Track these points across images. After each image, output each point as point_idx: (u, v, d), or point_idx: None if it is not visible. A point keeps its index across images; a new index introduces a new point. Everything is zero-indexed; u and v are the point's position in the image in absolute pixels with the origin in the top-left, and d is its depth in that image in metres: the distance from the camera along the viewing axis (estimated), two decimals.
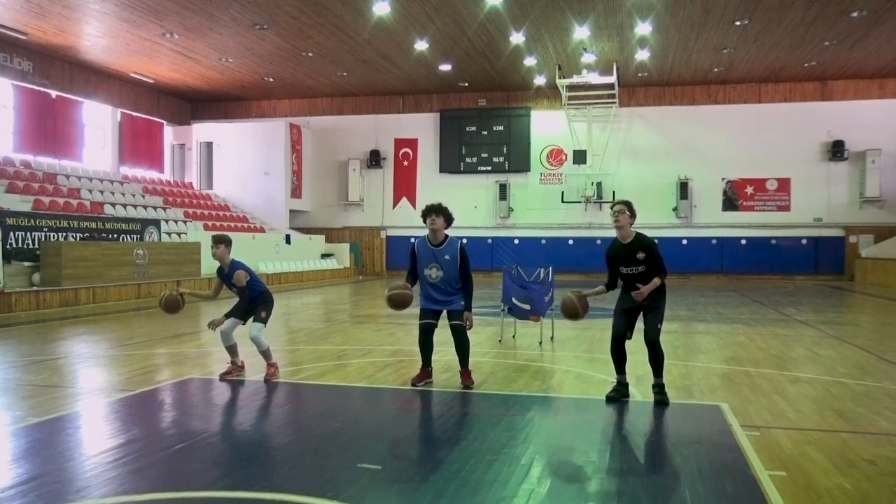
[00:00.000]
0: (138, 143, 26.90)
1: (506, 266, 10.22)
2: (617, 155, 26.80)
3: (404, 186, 28.86)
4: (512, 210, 27.80)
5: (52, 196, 19.61)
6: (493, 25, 19.42)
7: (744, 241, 26.35)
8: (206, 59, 22.90)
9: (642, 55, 22.22)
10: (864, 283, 23.71)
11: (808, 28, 19.60)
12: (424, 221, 6.70)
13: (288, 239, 25.57)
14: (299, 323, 12.73)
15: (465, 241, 7.72)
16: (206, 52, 21.94)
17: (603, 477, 4.33)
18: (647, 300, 6.07)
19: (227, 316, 7.08)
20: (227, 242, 7.05)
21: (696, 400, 6.36)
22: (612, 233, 6.43)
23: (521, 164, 27.68)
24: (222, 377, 7.19)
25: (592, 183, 26.46)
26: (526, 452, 4.73)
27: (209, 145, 28.56)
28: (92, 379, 7.66)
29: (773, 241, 26.18)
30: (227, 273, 7.03)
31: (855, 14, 18.28)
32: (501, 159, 27.90)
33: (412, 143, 28.80)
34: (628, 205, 6.15)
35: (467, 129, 28.08)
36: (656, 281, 6.03)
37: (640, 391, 6.50)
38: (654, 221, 25.31)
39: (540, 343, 9.64)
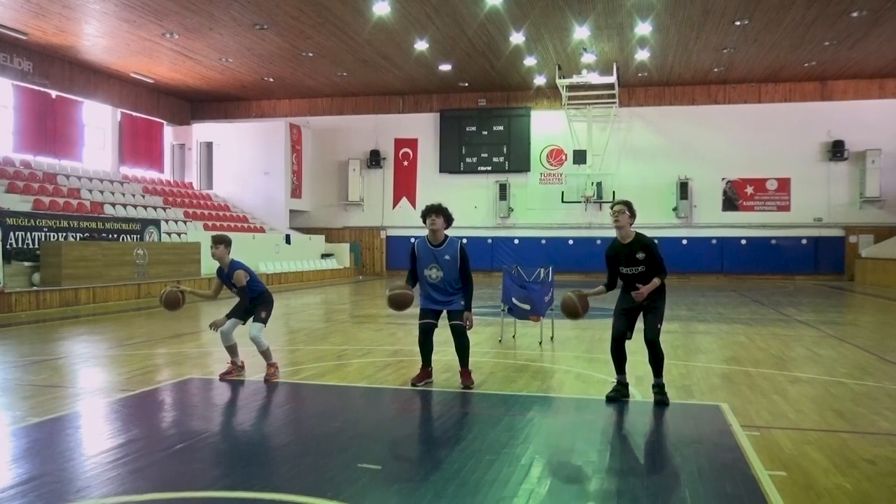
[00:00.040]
0: (138, 143, 26.90)
1: (506, 266, 10.22)
2: (617, 155, 26.80)
3: (404, 186, 28.87)
4: (512, 210, 27.80)
5: (52, 196, 19.61)
6: (493, 25, 19.42)
7: (744, 241, 26.35)
8: (206, 59, 22.90)
9: (642, 55, 22.22)
10: (864, 283, 23.71)
11: (808, 28, 19.60)
12: (424, 222, 6.70)
13: (288, 239, 25.57)
14: (299, 323, 12.74)
15: (465, 241, 7.72)
16: (206, 52, 21.94)
17: (603, 477, 4.33)
18: (646, 300, 6.07)
19: (228, 316, 7.08)
20: (226, 243, 7.04)
21: (696, 400, 6.36)
22: (612, 233, 6.43)
23: (521, 164, 27.68)
24: (222, 377, 7.19)
25: (592, 183, 26.46)
26: (526, 452, 4.73)
27: (209, 145, 28.56)
28: (92, 379, 7.66)
29: (773, 241, 26.18)
30: (226, 273, 7.03)
31: (855, 14, 18.28)
32: (501, 159, 27.90)
33: (412, 143, 28.81)
34: (628, 205, 6.15)
35: (467, 129, 28.08)
36: (656, 281, 6.03)
37: (640, 391, 6.50)
38: (654, 221, 25.31)
39: (540, 343, 9.64)
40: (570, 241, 27.17)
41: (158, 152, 28.14)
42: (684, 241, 26.40)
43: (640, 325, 6.17)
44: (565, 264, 24.90)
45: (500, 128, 27.86)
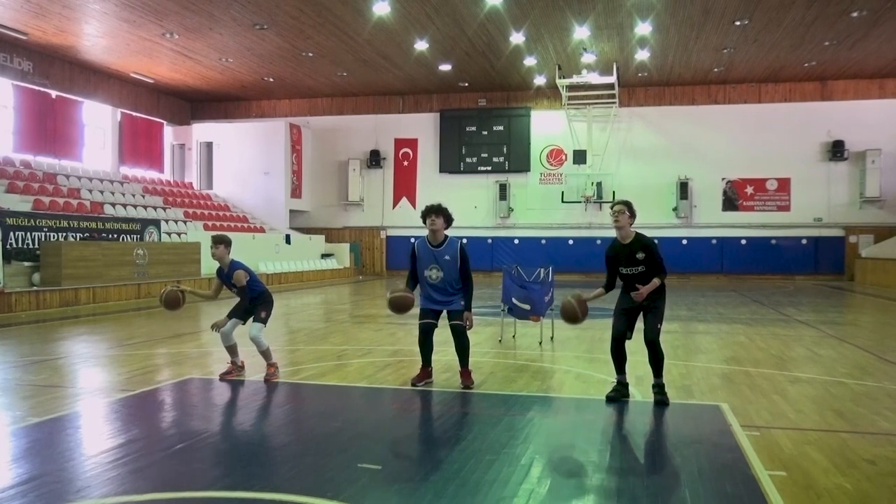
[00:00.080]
0: (138, 143, 26.90)
1: (506, 266, 10.22)
2: (617, 155, 26.81)
3: (404, 186, 28.87)
4: (512, 210, 27.80)
5: (52, 196, 19.61)
6: (493, 25, 19.42)
7: (744, 241, 26.35)
8: (206, 59, 22.90)
9: (642, 55, 22.22)
10: (864, 283, 23.71)
11: (808, 28, 19.60)
12: (424, 222, 6.70)
13: (288, 239, 25.57)
14: (299, 323, 12.74)
15: (464, 241, 7.72)
16: (206, 52, 21.94)
17: (603, 477, 4.33)
18: (646, 300, 6.07)
19: (229, 316, 7.08)
20: (226, 243, 7.04)
21: (696, 400, 6.36)
22: (612, 233, 6.43)
23: (521, 164, 27.68)
24: (222, 377, 7.20)
25: (592, 183, 26.47)
26: (526, 452, 4.73)
27: (209, 145, 28.56)
28: (92, 379, 7.66)
29: (773, 241, 26.18)
30: (226, 273, 7.03)
31: (855, 14, 18.28)
32: (501, 159, 27.90)
33: (412, 143, 28.81)
34: (628, 205, 6.15)
35: (467, 129, 28.08)
36: (656, 281, 6.03)
37: (640, 391, 6.50)
38: (654, 221, 25.31)
39: (540, 343, 9.64)
40: (570, 241, 27.17)
41: (158, 152, 28.15)
42: (684, 241, 26.41)
43: (640, 325, 6.17)
44: (565, 264, 24.90)
45: (500, 128, 27.86)
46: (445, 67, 24.05)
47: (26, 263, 15.40)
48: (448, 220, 6.73)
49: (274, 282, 22.34)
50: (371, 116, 28.96)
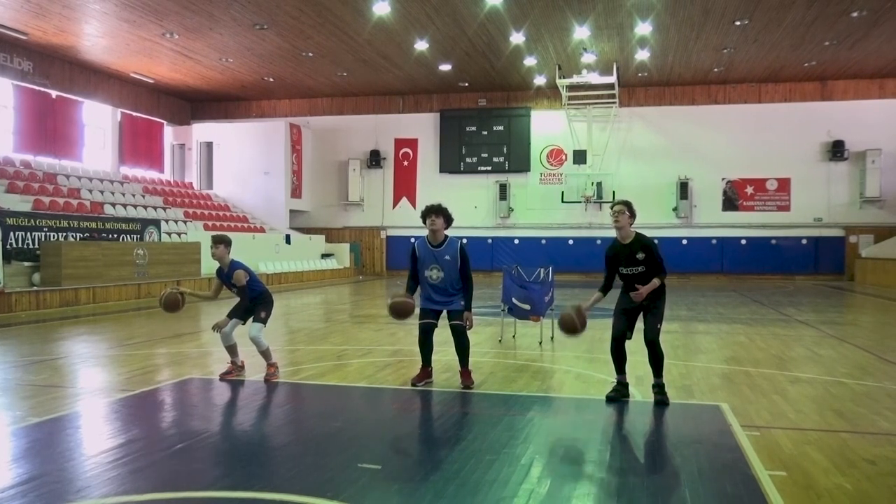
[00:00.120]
0: (138, 143, 26.90)
1: (506, 266, 10.22)
2: (617, 155, 26.81)
3: (404, 186, 28.87)
4: (512, 210, 27.80)
5: (52, 196, 19.61)
6: (493, 25, 19.42)
7: (744, 241, 26.35)
8: (206, 59, 22.90)
9: (642, 55, 22.22)
10: (864, 283, 23.71)
11: (808, 28, 19.60)
12: (424, 222, 6.70)
13: (288, 239, 25.57)
14: (299, 323, 12.74)
15: (464, 241, 7.72)
16: (206, 52, 21.94)
17: (603, 477, 4.33)
18: (646, 300, 6.07)
19: (229, 316, 7.08)
20: (226, 242, 7.04)
21: (696, 400, 6.36)
22: (612, 233, 6.43)
23: (521, 164, 27.68)
24: (222, 377, 7.20)
25: (592, 183, 26.47)
26: (526, 452, 4.73)
27: (209, 145, 28.56)
28: (92, 379, 7.66)
29: (773, 241, 26.18)
30: (226, 273, 7.03)
31: (855, 14, 18.28)
32: (501, 159, 27.90)
33: (412, 143, 28.81)
34: (628, 205, 6.15)
35: (467, 129, 28.08)
36: (655, 282, 6.03)
37: (640, 391, 6.50)
38: (654, 221, 25.31)
39: (540, 343, 9.64)
40: (570, 241, 27.17)
41: (158, 152, 28.15)
42: (684, 241, 26.40)
43: (640, 325, 6.17)
44: (565, 264, 24.89)
45: (500, 128, 27.86)
46: (445, 67, 24.05)
47: (26, 263, 15.40)
48: (448, 220, 6.73)
49: (274, 282, 22.34)
50: (371, 116, 28.96)
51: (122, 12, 18.06)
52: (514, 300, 9.29)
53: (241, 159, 27.91)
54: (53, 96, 22.51)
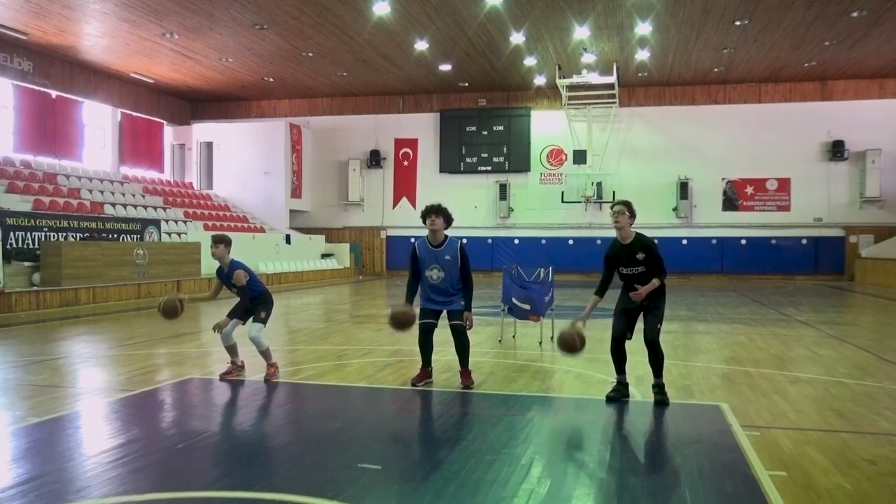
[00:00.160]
0: (138, 143, 26.90)
1: (506, 266, 10.22)
2: (617, 155, 26.81)
3: (404, 186, 28.87)
4: (512, 210, 27.80)
5: (52, 196, 19.61)
6: (493, 25, 19.42)
7: (744, 241, 26.35)
8: (206, 59, 22.90)
9: (642, 55, 22.22)
10: (864, 283, 23.71)
11: (808, 28, 19.60)
12: (424, 222, 6.70)
13: (288, 239, 25.58)
14: (299, 323, 12.74)
15: (464, 241, 7.71)
16: (206, 52, 21.94)
17: (603, 477, 4.34)
18: (646, 300, 6.07)
19: (229, 316, 7.08)
20: (226, 242, 7.04)
21: (696, 400, 6.36)
22: (612, 233, 6.43)
23: (521, 164, 27.68)
24: (222, 377, 7.20)
25: (592, 183, 26.47)
26: (526, 452, 4.73)
27: (209, 145, 28.56)
28: (92, 379, 7.66)
29: (773, 241, 26.18)
30: (226, 273, 7.03)
31: (855, 14, 18.28)
32: (501, 159, 27.90)
33: (412, 143, 28.81)
34: (628, 205, 6.14)
35: (467, 129, 28.08)
36: (655, 282, 6.03)
37: (640, 391, 6.50)
38: (654, 221, 25.31)
39: (540, 343, 9.64)
40: (570, 241, 27.17)
41: (158, 152, 28.14)
42: (684, 241, 26.40)
43: (640, 325, 6.17)
44: (565, 264, 24.89)
45: (500, 128, 27.86)
46: (445, 67, 24.04)
47: (26, 263, 15.40)
48: (448, 220, 6.73)
49: (274, 282, 22.34)
50: (371, 116, 28.96)
51: (122, 12, 18.06)
52: (514, 300, 9.28)
53: (241, 159, 27.91)
54: (53, 96, 22.51)
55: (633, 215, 6.13)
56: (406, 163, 28.88)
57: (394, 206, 28.97)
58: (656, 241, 6.45)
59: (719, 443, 5.00)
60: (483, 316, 12.15)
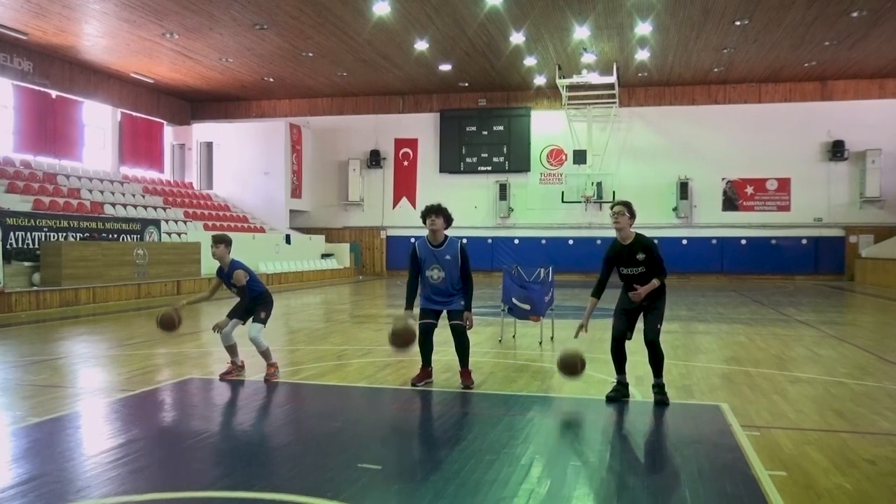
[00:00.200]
0: (138, 143, 26.90)
1: (506, 266, 10.22)
2: (617, 155, 26.80)
3: (404, 186, 28.87)
4: (512, 210, 27.80)
5: (52, 196, 19.61)
6: (493, 25, 19.42)
7: (744, 241, 26.35)
8: (206, 59, 22.90)
9: (642, 55, 22.22)
10: (864, 283, 23.71)
11: (808, 28, 19.60)
12: (424, 222, 6.70)
13: (288, 239, 25.57)
14: (299, 323, 12.74)
15: (464, 241, 7.72)
16: (206, 52, 21.94)
17: (603, 477, 4.34)
18: (646, 300, 6.07)
19: (229, 316, 7.08)
20: (227, 242, 7.05)
21: (696, 400, 6.36)
22: (612, 233, 6.43)
23: (521, 164, 27.68)
24: (222, 377, 7.20)
25: (592, 183, 26.47)
26: (526, 452, 4.73)
27: (209, 145, 28.56)
28: (92, 379, 7.66)
29: (773, 241, 26.18)
30: (226, 273, 7.03)
31: (855, 14, 18.28)
32: (501, 159, 27.90)
33: (412, 143, 28.81)
34: (628, 206, 6.14)
35: (467, 129, 28.08)
36: (655, 282, 6.03)
37: (640, 391, 6.50)
38: (654, 221, 25.31)
39: (540, 343, 9.64)
40: (570, 241, 27.17)
41: (158, 152, 28.14)
42: (684, 241, 26.40)
43: (640, 325, 6.17)
44: (565, 264, 24.90)
45: (500, 128, 27.86)
46: (445, 67, 24.04)
47: (26, 263, 15.40)
48: (448, 220, 6.73)
49: (274, 282, 22.34)
50: (371, 116, 28.96)
51: (122, 12, 18.06)
52: (514, 300, 9.28)
53: (241, 159, 27.91)
54: (53, 96, 22.51)
55: (632, 216, 6.13)
56: (406, 163, 28.88)
57: (394, 206, 28.97)
58: (656, 242, 6.45)
59: (719, 443, 5.00)
60: (483, 316, 12.15)
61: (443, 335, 7.00)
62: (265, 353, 7.11)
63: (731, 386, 6.96)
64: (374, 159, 28.87)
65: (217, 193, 28.25)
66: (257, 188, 27.88)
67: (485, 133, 27.93)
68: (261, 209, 27.87)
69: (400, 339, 6.47)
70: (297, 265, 24.97)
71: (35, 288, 14.87)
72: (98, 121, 25.30)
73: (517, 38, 20.42)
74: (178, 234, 22.00)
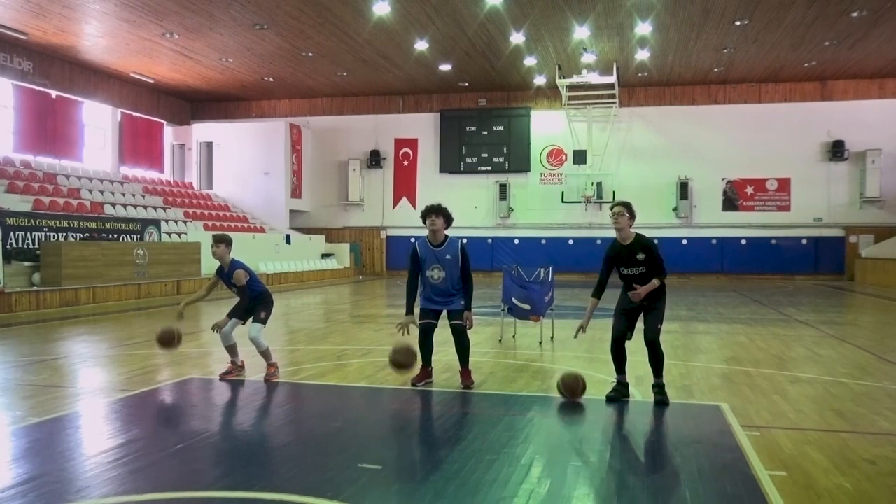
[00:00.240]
0: (138, 143, 26.90)
1: (506, 266, 10.22)
2: (617, 155, 26.81)
3: (404, 186, 28.87)
4: (512, 210, 27.80)
5: (52, 196, 19.61)
6: (493, 25, 19.42)
7: (744, 241, 26.35)
8: (206, 59, 22.90)
9: (642, 55, 22.22)
10: (864, 283, 23.71)
11: (808, 28, 19.60)
12: (424, 222, 6.70)
13: (288, 239, 25.57)
14: (299, 323, 12.74)
15: (465, 241, 7.72)
16: (206, 52, 21.94)
17: (603, 477, 4.34)
18: (646, 300, 6.07)
19: (229, 316, 7.08)
20: (227, 242, 7.05)
21: (696, 400, 6.36)
22: (612, 233, 6.43)
23: (521, 164, 27.68)
24: (222, 377, 7.20)
25: (592, 183, 26.47)
26: (526, 452, 4.73)
27: (209, 145, 28.56)
28: (92, 379, 7.66)
29: (773, 241, 26.18)
30: (226, 273, 7.03)
31: (855, 14, 18.28)
32: (501, 159, 27.90)
33: (412, 143, 28.81)
34: (627, 206, 6.15)
35: (467, 129, 28.08)
36: (655, 282, 6.03)
37: (640, 391, 6.50)
38: (654, 221, 25.31)
39: (540, 343, 9.64)
40: (570, 241, 27.17)
41: (158, 152, 28.14)
42: (684, 241, 26.40)
43: (640, 325, 6.17)
44: (565, 264, 24.90)
45: (500, 128, 27.86)
46: (445, 67, 24.04)
47: (26, 263, 15.40)
48: (448, 220, 6.74)
49: (274, 282, 22.34)
50: (371, 116, 28.96)
51: (122, 12, 18.06)
52: (514, 300, 9.28)
53: (241, 159, 27.91)
54: (53, 96, 22.51)
55: (632, 216, 6.13)
56: (406, 163, 28.88)
57: (394, 206, 28.97)
58: (656, 242, 6.45)
59: (719, 443, 5.00)
60: (483, 316, 12.15)
61: (443, 335, 7.00)
62: (265, 353, 7.11)
63: (731, 386, 6.96)
64: (374, 159, 28.87)
65: (217, 193, 28.25)
66: (257, 188, 27.88)
67: (485, 133, 27.93)
68: (261, 209, 27.88)
69: (401, 365, 6.45)
70: (297, 265, 24.97)
71: (35, 288, 14.87)
72: (98, 121, 25.31)
73: (517, 38, 20.42)
74: (178, 234, 22.00)
